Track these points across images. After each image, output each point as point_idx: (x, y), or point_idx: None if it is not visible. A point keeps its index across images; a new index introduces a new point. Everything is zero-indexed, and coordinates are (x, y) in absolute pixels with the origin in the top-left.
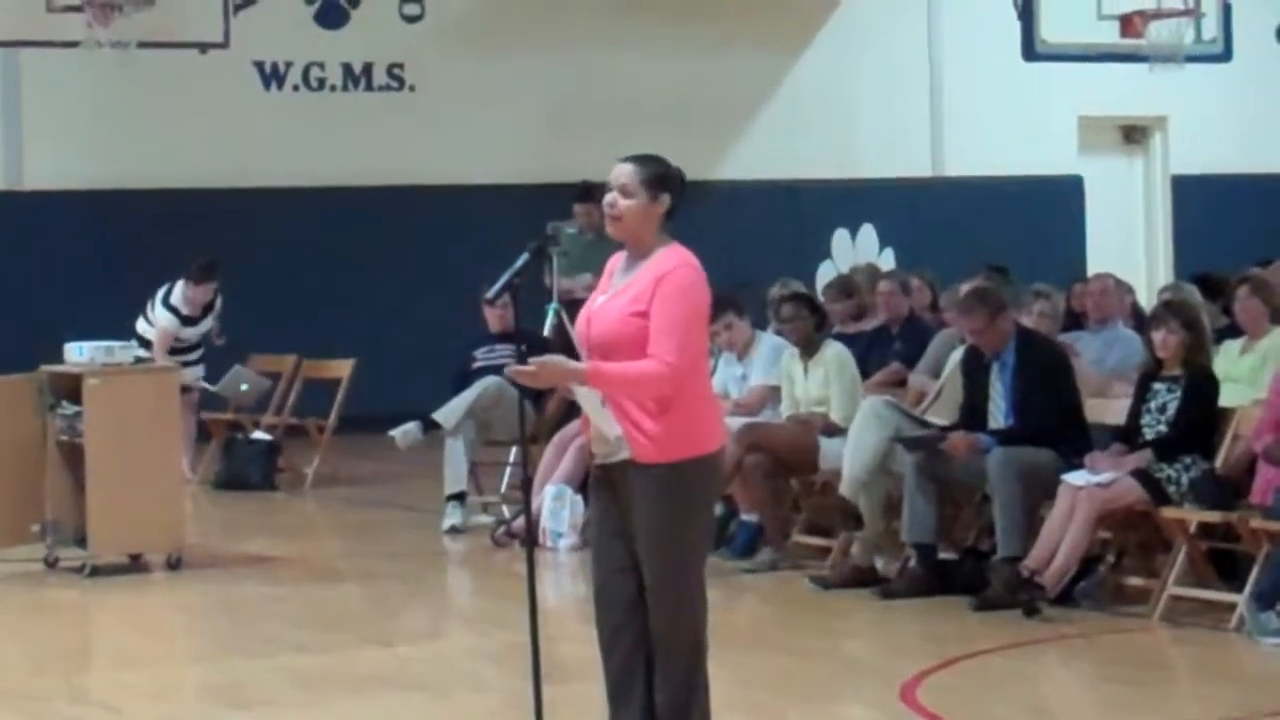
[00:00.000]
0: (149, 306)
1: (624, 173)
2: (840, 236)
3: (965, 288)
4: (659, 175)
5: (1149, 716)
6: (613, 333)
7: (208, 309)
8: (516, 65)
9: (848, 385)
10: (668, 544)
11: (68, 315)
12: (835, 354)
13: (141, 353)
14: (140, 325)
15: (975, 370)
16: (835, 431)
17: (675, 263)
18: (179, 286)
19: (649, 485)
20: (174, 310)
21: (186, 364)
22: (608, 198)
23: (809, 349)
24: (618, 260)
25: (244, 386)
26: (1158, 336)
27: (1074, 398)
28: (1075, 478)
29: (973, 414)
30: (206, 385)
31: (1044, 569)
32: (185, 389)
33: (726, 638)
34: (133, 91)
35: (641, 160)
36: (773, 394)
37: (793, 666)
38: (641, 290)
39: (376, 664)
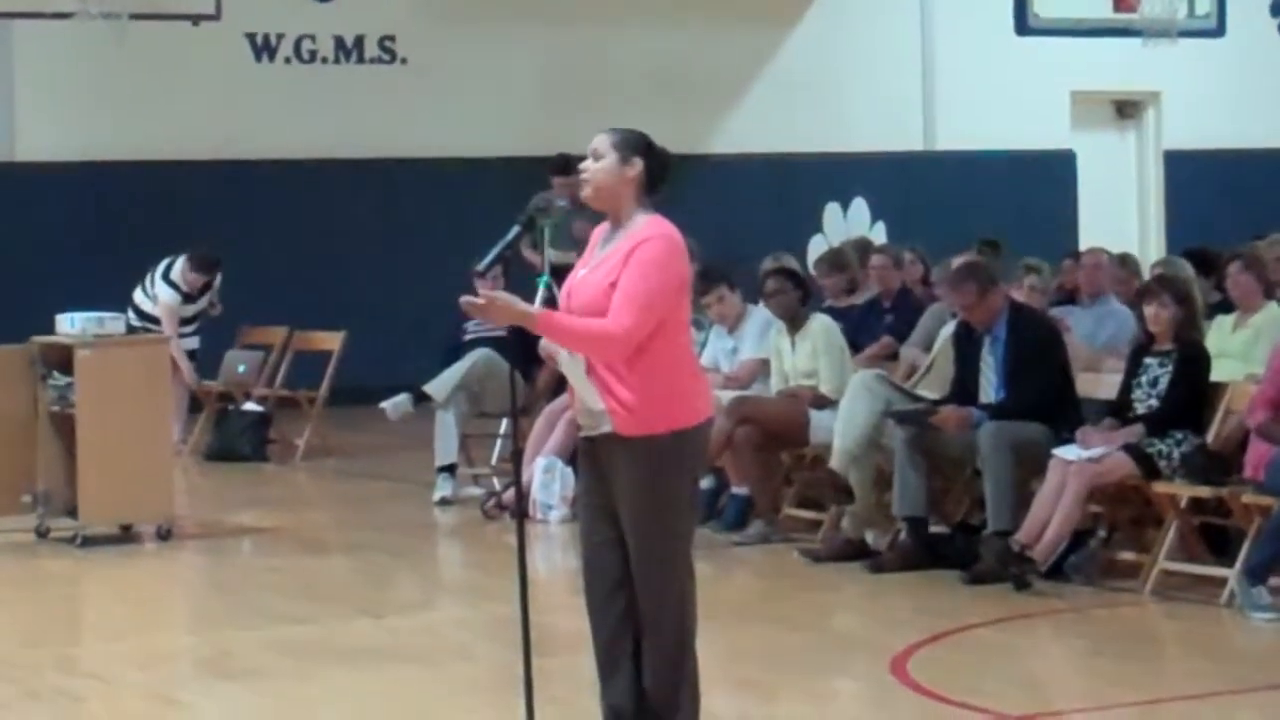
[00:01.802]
0: (148, 279)
1: (596, 140)
2: (832, 210)
3: (956, 262)
4: (630, 139)
5: (1139, 690)
6: (592, 304)
7: (206, 288)
8: (508, 39)
9: (836, 357)
10: (651, 517)
11: (59, 286)
12: (822, 326)
13: (135, 322)
14: (137, 296)
15: (966, 344)
16: (825, 404)
17: (651, 233)
18: (179, 264)
19: (631, 458)
20: (175, 286)
21: (182, 335)
22: (582, 164)
23: (794, 322)
24: (600, 232)
25: (241, 368)
26: (1149, 311)
27: (1065, 372)
28: (1066, 452)
29: (964, 388)
30: (208, 384)
31: (1035, 543)
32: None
33: (716, 610)
34: (125, 63)
35: (615, 129)
36: (763, 367)
37: (783, 639)
38: (618, 261)
39: (366, 635)
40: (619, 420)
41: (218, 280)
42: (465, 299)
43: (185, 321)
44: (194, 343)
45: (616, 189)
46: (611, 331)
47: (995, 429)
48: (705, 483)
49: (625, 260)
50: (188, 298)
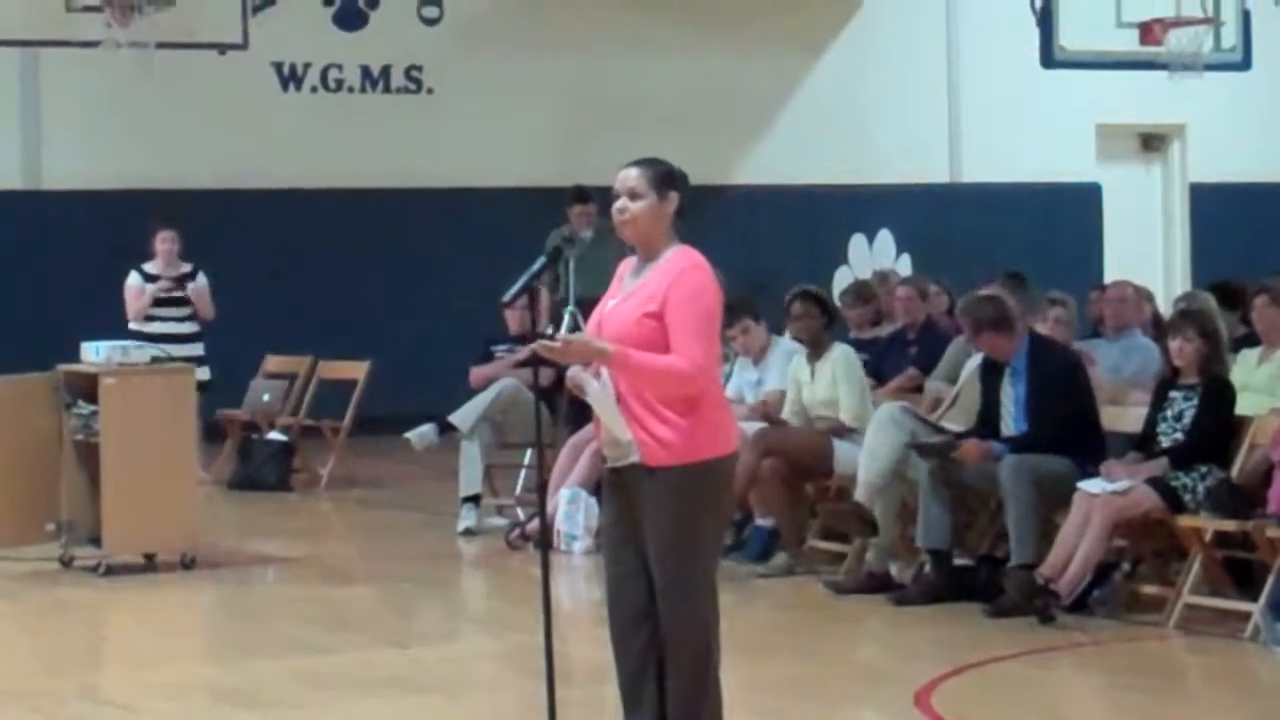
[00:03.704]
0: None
1: (630, 177)
2: (857, 241)
3: (970, 298)
4: (665, 174)
5: None
6: (625, 335)
7: (183, 280)
8: (534, 68)
9: (856, 385)
10: (677, 547)
11: (84, 315)
12: (843, 354)
13: (157, 353)
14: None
15: (991, 377)
16: (846, 433)
17: (687, 264)
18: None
19: (658, 488)
20: (140, 271)
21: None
22: (617, 204)
23: (816, 349)
24: (628, 264)
25: (266, 397)
26: (1174, 345)
27: (1087, 404)
28: (1091, 485)
29: (989, 421)
30: (232, 413)
31: (1059, 576)
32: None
33: (740, 642)
34: (151, 92)
35: (645, 162)
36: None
37: (806, 671)
38: (654, 291)
39: (390, 665)
40: (648, 451)
41: (201, 280)
42: (541, 343)
43: (181, 339)
44: (204, 373)
45: (656, 225)
46: (685, 368)
47: (1016, 462)
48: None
49: (665, 292)
50: (150, 278)
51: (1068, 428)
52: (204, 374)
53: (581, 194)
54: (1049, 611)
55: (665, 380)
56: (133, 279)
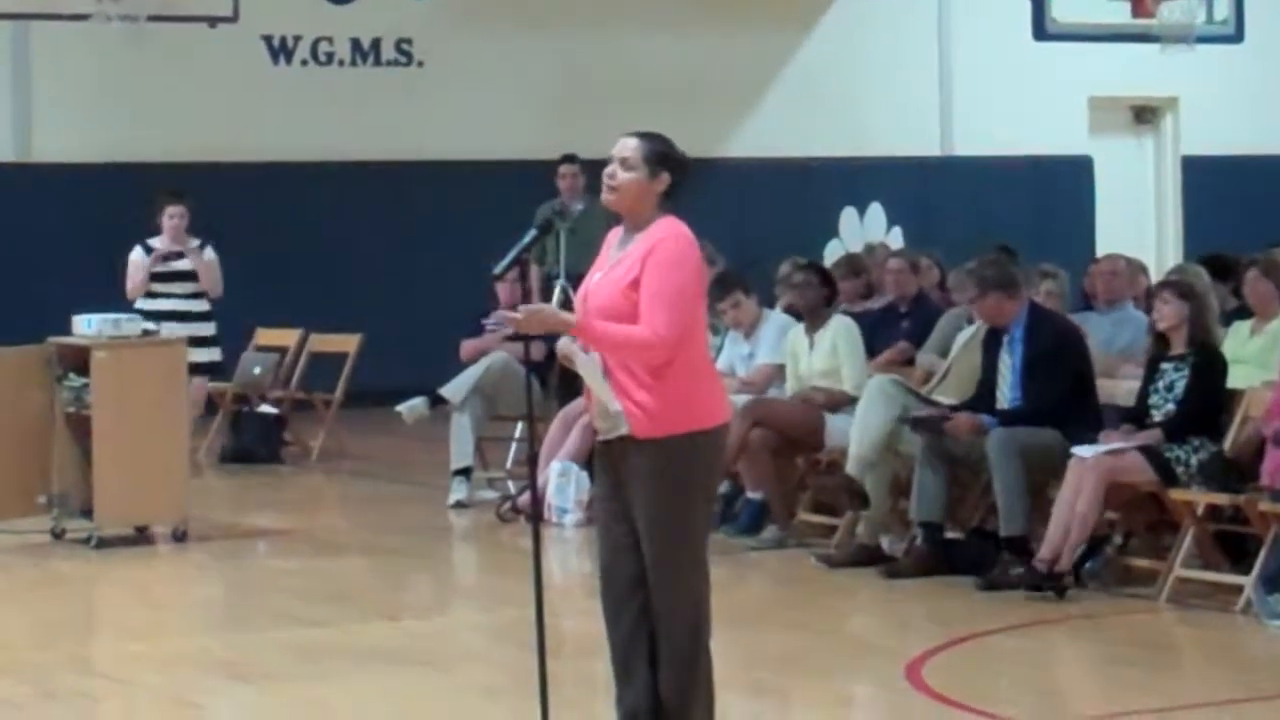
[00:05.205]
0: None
1: (627, 146)
2: (848, 215)
3: (973, 264)
4: (661, 153)
5: (1154, 698)
6: (610, 306)
7: (178, 255)
8: (525, 41)
9: (858, 354)
10: (666, 520)
11: (75, 287)
12: (843, 324)
13: (150, 326)
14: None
15: (993, 347)
16: (842, 405)
17: (668, 233)
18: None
19: (646, 460)
20: (144, 245)
21: (196, 341)
22: (608, 169)
23: (815, 319)
24: (615, 235)
25: (256, 370)
26: (1156, 311)
27: (1082, 375)
28: (1084, 450)
29: (988, 391)
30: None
31: (1057, 556)
32: (196, 369)
33: (731, 615)
34: (141, 65)
35: (646, 136)
36: (779, 372)
37: (797, 645)
38: (634, 262)
39: (381, 638)
40: (636, 422)
41: (209, 254)
42: (503, 313)
43: (192, 317)
44: (215, 354)
45: (642, 200)
46: (647, 337)
47: (1004, 436)
48: (720, 487)
49: (643, 261)
50: (152, 251)
51: (1062, 398)
52: (213, 354)
53: (569, 156)
54: (1064, 590)
55: (627, 349)
56: (135, 254)
